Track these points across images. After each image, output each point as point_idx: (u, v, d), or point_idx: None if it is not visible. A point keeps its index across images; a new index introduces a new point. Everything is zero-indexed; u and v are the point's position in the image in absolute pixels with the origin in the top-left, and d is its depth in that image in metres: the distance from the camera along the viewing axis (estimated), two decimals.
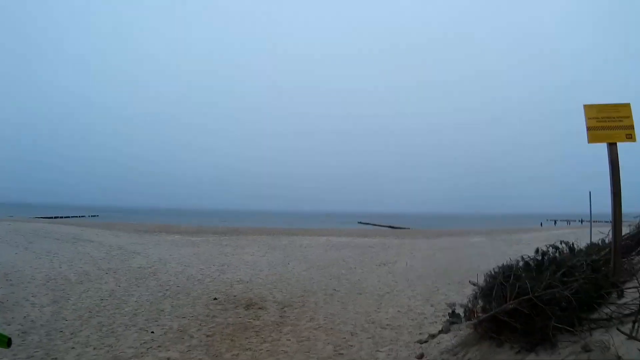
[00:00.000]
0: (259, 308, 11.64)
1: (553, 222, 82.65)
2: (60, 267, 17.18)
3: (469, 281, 13.77)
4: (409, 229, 65.76)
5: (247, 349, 8.15)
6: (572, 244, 7.97)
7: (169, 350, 8.11)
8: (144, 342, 8.56)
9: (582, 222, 75.75)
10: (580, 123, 6.79)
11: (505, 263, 8.83)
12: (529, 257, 7.79)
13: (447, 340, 7.66)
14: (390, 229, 67.04)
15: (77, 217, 78.91)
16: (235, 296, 13.16)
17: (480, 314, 6.20)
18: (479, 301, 6.58)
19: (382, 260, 22.24)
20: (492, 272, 7.34)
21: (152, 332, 9.31)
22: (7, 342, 3.00)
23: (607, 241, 8.35)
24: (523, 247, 24.36)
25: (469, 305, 6.80)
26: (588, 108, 6.88)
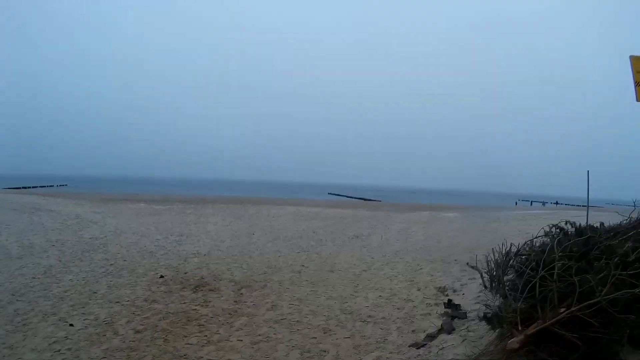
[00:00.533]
0: (211, 290, 9.41)
1: (529, 203, 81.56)
2: (7, 240, 14.84)
3: (467, 264, 11.79)
4: (380, 201, 63.88)
5: (181, 357, 5.93)
6: (580, 225, 5.82)
7: (77, 357, 5.86)
8: (54, 342, 6.28)
9: (557, 204, 75.51)
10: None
11: (505, 242, 6.90)
12: (555, 235, 5.77)
13: (453, 343, 5.55)
14: (361, 200, 65.05)
15: (44, 187, 74.75)
16: (186, 273, 10.95)
17: (517, 323, 4.07)
18: (509, 302, 4.47)
19: (355, 232, 20.27)
20: (521, 259, 5.33)
21: (71, 324, 7.04)
22: None
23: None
24: (502, 225, 22.87)
25: (498, 308, 4.67)
26: (635, 60, 4.87)
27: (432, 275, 11.10)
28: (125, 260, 12.59)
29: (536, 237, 6.24)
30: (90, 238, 16.41)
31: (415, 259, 13.62)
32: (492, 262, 8.21)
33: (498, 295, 6.40)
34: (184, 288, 9.50)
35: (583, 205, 65.66)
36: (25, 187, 66.65)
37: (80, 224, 19.91)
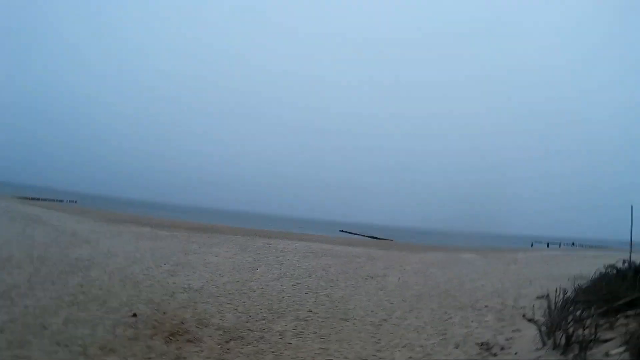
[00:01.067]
0: (189, 340, 7.13)
1: (546, 244, 78.11)
2: None
3: (524, 316, 9.66)
4: (392, 240, 61.05)
5: None
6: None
7: None
8: None
9: (573, 245, 72.38)
10: None
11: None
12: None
13: None
14: (373, 239, 62.22)
15: (55, 200, 73.55)
16: (165, 314, 8.69)
17: None
18: None
19: (369, 272, 17.87)
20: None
21: None
22: None
23: None
24: (522, 267, 20.73)
25: None
26: None
27: (466, 327, 8.95)
28: (101, 289, 10.48)
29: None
30: (76, 258, 14.44)
31: (441, 305, 11.49)
32: (547, 311, 5.99)
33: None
34: (155, 335, 7.23)
35: (598, 246, 63.65)
36: (36, 199, 65.61)
37: (71, 242, 18.11)
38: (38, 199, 65.68)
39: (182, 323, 8.04)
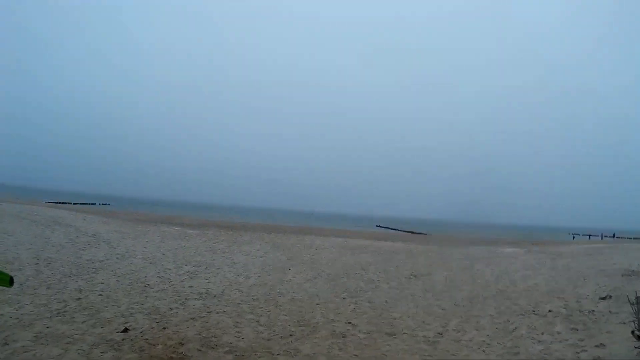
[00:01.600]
0: None
1: (587, 236, 74.06)
2: None
3: (632, 333, 7.43)
4: (428, 234, 58.08)
5: None
6: None
7: None
8: None
9: (614, 237, 68.53)
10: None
11: None
12: None
13: None
14: (409, 234, 59.37)
15: (87, 204, 72.71)
16: (165, 329, 6.75)
17: None
18: None
19: (412, 270, 15.62)
20: None
21: None
22: (9, 280, 2.84)
23: None
24: (569, 262, 18.28)
25: None
26: None
27: (539, 342, 6.87)
28: (100, 295, 8.86)
29: None
30: (88, 260, 13.00)
31: (499, 310, 9.29)
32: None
33: None
34: None
35: (638, 237, 59.80)
36: (66, 203, 65.20)
37: (89, 243, 16.63)
38: (69, 203, 65.25)
39: (182, 344, 6.03)
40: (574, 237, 67.28)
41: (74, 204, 66.83)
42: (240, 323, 7.40)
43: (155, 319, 7.37)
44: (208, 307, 8.42)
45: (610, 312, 8.26)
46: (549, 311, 8.87)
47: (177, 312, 7.89)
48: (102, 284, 9.98)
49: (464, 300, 10.52)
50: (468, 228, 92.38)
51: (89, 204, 74.84)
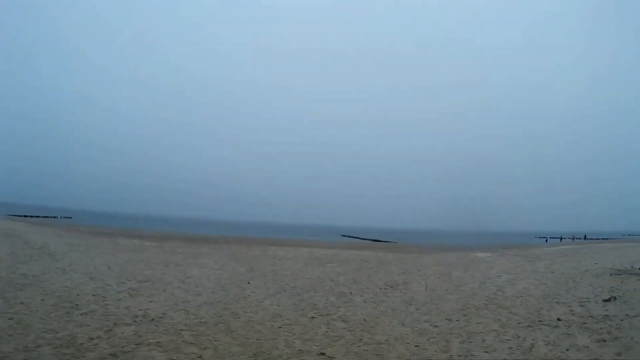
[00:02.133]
0: None
1: (559, 239, 74.58)
2: None
3: None
4: (397, 243, 56.64)
5: None
6: None
7: None
8: None
9: (585, 239, 69.60)
10: None
11: None
12: None
13: None
14: (376, 242, 57.87)
15: (48, 217, 70.29)
16: None
17: None
18: None
19: (386, 279, 14.01)
20: None
21: None
22: None
23: None
24: (549, 264, 17.45)
25: None
26: None
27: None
28: (11, 319, 7.00)
29: None
30: (21, 275, 11.28)
31: (501, 323, 7.87)
32: None
33: None
34: None
35: (613, 238, 61.23)
36: (28, 216, 63.60)
37: (32, 256, 14.96)
38: (30, 216, 63.18)
39: None
40: (547, 240, 67.41)
41: (35, 217, 64.40)
42: None
43: (65, 355, 5.44)
44: (140, 336, 6.47)
45: (627, 315, 7.24)
46: (558, 319, 7.57)
47: (97, 344, 5.95)
48: (22, 304, 8.03)
49: (455, 312, 9.00)
50: (434, 236, 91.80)
51: (52, 217, 72.58)
